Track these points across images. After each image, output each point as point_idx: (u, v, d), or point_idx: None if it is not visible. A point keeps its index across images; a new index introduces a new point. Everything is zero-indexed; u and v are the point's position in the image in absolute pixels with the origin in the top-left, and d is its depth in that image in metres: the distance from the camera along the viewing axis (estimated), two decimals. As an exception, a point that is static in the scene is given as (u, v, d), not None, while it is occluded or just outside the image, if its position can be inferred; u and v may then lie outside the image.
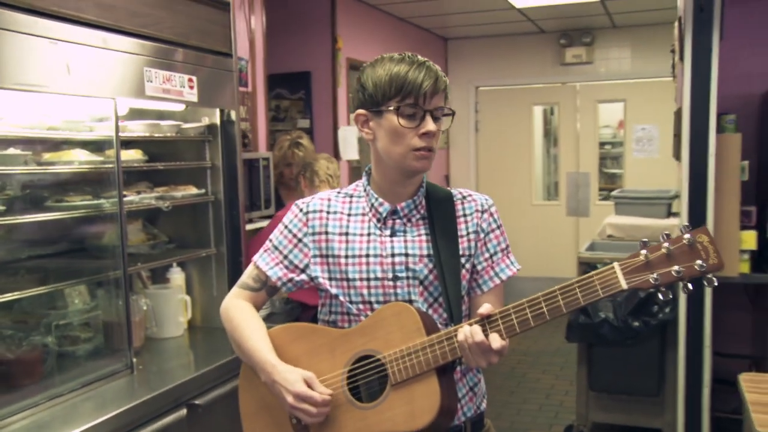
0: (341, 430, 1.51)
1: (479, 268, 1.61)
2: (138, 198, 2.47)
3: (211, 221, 2.81)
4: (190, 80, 2.51)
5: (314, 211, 1.64)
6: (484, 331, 1.41)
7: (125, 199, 2.35)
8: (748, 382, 2.38)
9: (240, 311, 1.64)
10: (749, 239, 3.62)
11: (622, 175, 8.34)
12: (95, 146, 2.33)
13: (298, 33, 5.22)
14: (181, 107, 2.65)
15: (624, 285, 1.34)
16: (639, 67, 7.21)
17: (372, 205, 1.61)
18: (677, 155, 3.74)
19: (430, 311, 1.56)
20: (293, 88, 5.32)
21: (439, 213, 1.59)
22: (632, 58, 7.26)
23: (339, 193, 1.67)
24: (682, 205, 3.50)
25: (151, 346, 2.60)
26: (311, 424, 1.54)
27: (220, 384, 2.37)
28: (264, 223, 3.52)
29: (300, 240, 1.63)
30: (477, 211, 1.62)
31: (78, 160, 2.23)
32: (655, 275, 1.32)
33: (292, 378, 1.50)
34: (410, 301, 1.55)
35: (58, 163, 2.21)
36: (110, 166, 2.28)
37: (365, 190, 1.64)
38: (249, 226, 3.30)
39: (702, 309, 3.46)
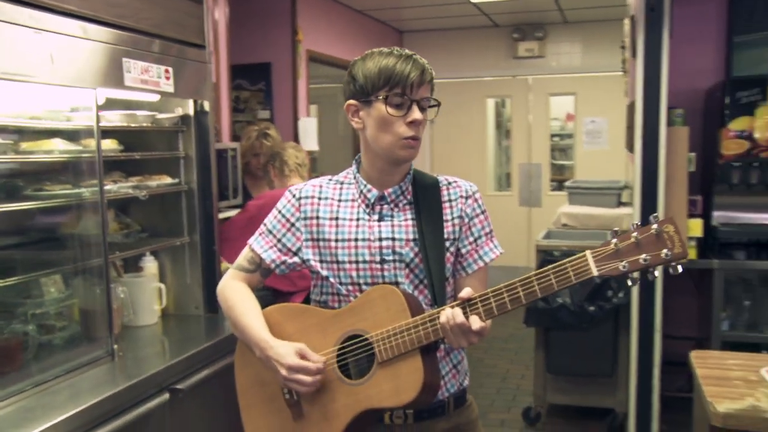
0: (331, 404, 1.60)
1: (464, 251, 1.70)
2: (116, 187, 2.50)
3: (185, 210, 2.85)
4: (167, 71, 2.55)
5: (306, 197, 1.72)
6: (465, 313, 1.50)
7: (95, 189, 2.37)
8: (698, 359, 2.54)
9: (236, 292, 1.72)
10: (696, 227, 3.83)
11: (570, 167, 8.58)
12: (74, 136, 2.34)
13: (258, 24, 5.24)
14: (155, 98, 2.68)
15: (595, 272, 1.43)
16: (589, 62, 7.44)
17: (361, 191, 1.70)
18: (630, 147, 3.91)
19: (416, 292, 1.65)
20: (253, 79, 5.34)
21: (425, 198, 1.68)
22: (582, 52, 7.49)
23: (330, 180, 1.76)
24: (635, 195, 3.67)
25: (127, 333, 2.63)
26: (302, 398, 1.62)
27: (200, 369, 2.41)
28: (232, 213, 3.56)
29: (293, 224, 1.71)
30: (461, 197, 1.71)
31: (58, 149, 2.25)
32: (624, 263, 1.41)
33: (284, 351, 1.58)
34: (396, 283, 1.64)
35: (38, 152, 2.23)
36: (90, 155, 2.30)
37: (355, 177, 1.72)
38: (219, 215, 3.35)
39: (653, 294, 3.64)
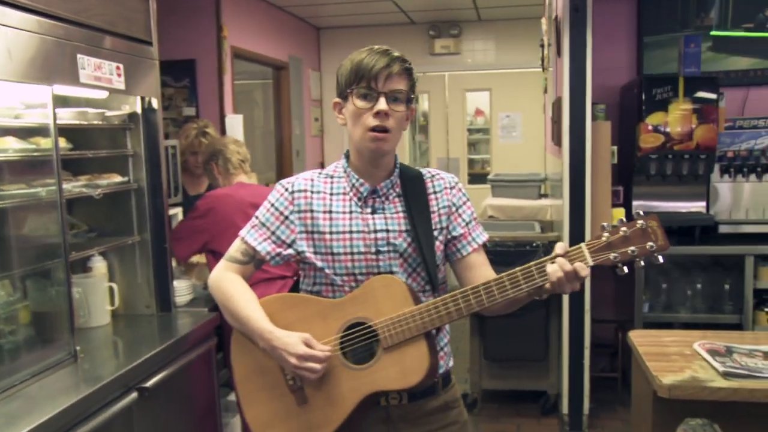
0: (335, 389, 1.65)
1: (456, 234, 1.78)
2: (70, 186, 2.44)
3: (134, 209, 2.80)
4: (118, 68, 2.51)
5: (299, 191, 1.76)
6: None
7: (52, 188, 2.31)
8: (637, 338, 2.73)
9: (232, 283, 1.74)
10: (619, 216, 4.05)
11: (481, 161, 8.84)
12: (26, 134, 2.28)
13: (182, 21, 5.16)
14: (103, 95, 2.63)
15: (590, 262, 1.56)
16: (503, 59, 7.68)
17: (353, 185, 1.75)
18: (558, 141, 4.11)
19: (409, 280, 1.73)
20: (177, 76, 5.26)
21: (412, 191, 1.75)
22: (496, 50, 7.73)
23: (320, 174, 1.80)
24: (564, 186, 3.87)
25: (81, 335, 2.55)
26: (306, 384, 1.67)
27: (163, 367, 2.40)
28: (173, 211, 3.52)
29: (286, 217, 1.75)
30: (446, 188, 1.80)
31: (12, 148, 2.19)
32: (615, 254, 1.55)
33: (292, 341, 1.62)
34: (391, 272, 1.71)
35: (-8, 151, 2.16)
36: (46, 153, 2.24)
37: (345, 171, 1.77)
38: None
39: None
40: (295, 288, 1.87)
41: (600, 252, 1.56)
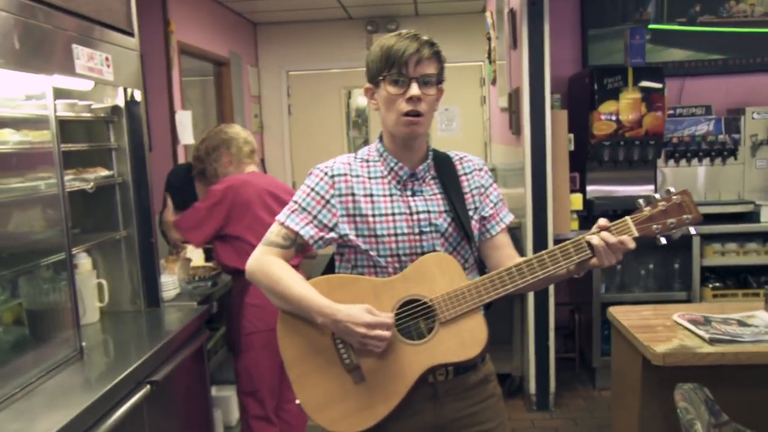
0: (395, 365, 1.67)
1: (486, 215, 1.85)
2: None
3: (119, 203, 2.74)
4: (107, 58, 2.46)
5: (339, 175, 1.78)
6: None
7: (52, 181, 2.25)
8: (619, 313, 2.87)
9: (277, 266, 1.74)
10: (576, 201, 4.23)
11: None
12: (20, 125, 2.20)
13: (129, 13, 5.03)
14: (88, 86, 2.56)
15: (636, 233, 1.67)
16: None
17: (391, 168, 1.78)
18: (517, 130, 4.23)
19: None
20: (124, 71, 5.12)
21: (445, 173, 1.81)
22: (434, 44, 7.83)
23: (355, 158, 1.83)
24: (526, 174, 3.99)
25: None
26: (363, 362, 1.68)
27: (166, 361, 2.37)
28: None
29: (328, 201, 1.76)
30: (475, 169, 1.86)
31: (12, 140, 2.11)
32: (656, 225, 1.68)
33: (356, 312, 1.63)
34: (434, 251, 1.75)
35: (-9, 144, 2.08)
36: (46, 146, 2.18)
37: (381, 155, 1.80)
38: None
39: (546, 263, 3.98)
40: (327, 271, 1.88)
41: (643, 224, 1.68)
